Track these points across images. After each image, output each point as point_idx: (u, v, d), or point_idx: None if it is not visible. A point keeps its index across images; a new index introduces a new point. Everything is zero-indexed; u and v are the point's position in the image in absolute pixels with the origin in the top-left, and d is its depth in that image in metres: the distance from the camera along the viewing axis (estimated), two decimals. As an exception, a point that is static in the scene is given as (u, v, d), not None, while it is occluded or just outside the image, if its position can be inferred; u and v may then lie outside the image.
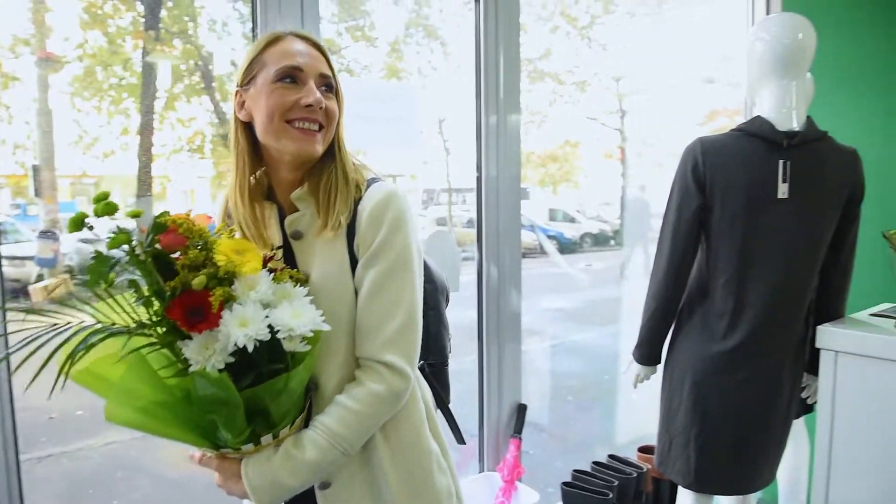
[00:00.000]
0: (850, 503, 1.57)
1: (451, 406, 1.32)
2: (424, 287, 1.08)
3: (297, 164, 1.07)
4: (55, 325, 0.83)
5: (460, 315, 2.43)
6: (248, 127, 1.07)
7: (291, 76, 1.02)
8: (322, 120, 1.03)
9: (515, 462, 2.21)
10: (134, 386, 0.85)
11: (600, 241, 5.29)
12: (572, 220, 5.43)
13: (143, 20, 2.01)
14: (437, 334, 1.28)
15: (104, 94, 1.95)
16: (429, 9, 3.10)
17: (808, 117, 1.66)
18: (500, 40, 2.12)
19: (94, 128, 1.90)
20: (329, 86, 1.06)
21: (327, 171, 1.07)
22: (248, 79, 1.05)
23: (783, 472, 2.24)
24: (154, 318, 0.86)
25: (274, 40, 1.05)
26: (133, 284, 0.85)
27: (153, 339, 0.86)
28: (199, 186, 2.27)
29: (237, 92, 1.07)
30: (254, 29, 1.68)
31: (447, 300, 1.38)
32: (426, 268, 1.14)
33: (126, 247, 0.84)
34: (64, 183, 1.96)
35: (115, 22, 1.98)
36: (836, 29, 2.54)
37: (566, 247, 5.23)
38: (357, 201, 1.05)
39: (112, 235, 0.83)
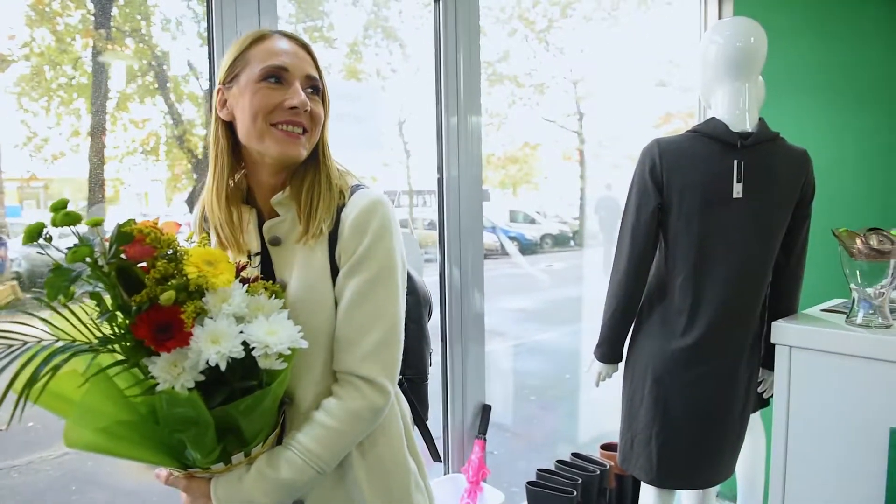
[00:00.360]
0: (806, 495, 1.61)
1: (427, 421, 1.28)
2: (406, 299, 1.05)
3: (279, 168, 1.03)
4: (11, 346, 0.77)
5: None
6: (228, 126, 1.03)
7: (276, 76, 0.98)
8: (307, 123, 1.00)
9: (480, 463, 2.21)
10: (96, 405, 0.81)
11: (560, 241, 5.35)
12: (532, 222, 5.48)
13: (93, 18, 1.95)
14: (417, 348, 1.24)
15: (53, 95, 1.89)
16: (388, 10, 3.09)
17: (761, 119, 1.71)
18: (460, 42, 2.13)
19: (42, 129, 1.84)
20: (315, 88, 1.03)
21: (310, 175, 1.03)
22: (230, 77, 1.01)
23: (741, 466, 2.29)
24: (119, 332, 0.81)
25: (259, 38, 1.01)
26: (96, 297, 0.80)
27: (119, 357, 0.81)
28: (153, 190, 2.21)
29: (219, 90, 1.03)
30: (209, 29, 1.65)
31: (430, 313, 1.35)
32: (409, 279, 1.11)
33: (88, 259, 0.78)
34: (11, 186, 1.89)
35: (63, 20, 1.92)
36: (787, 34, 2.62)
37: (527, 248, 5.27)
38: (340, 208, 1.02)
39: (73, 248, 0.78)
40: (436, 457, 1.26)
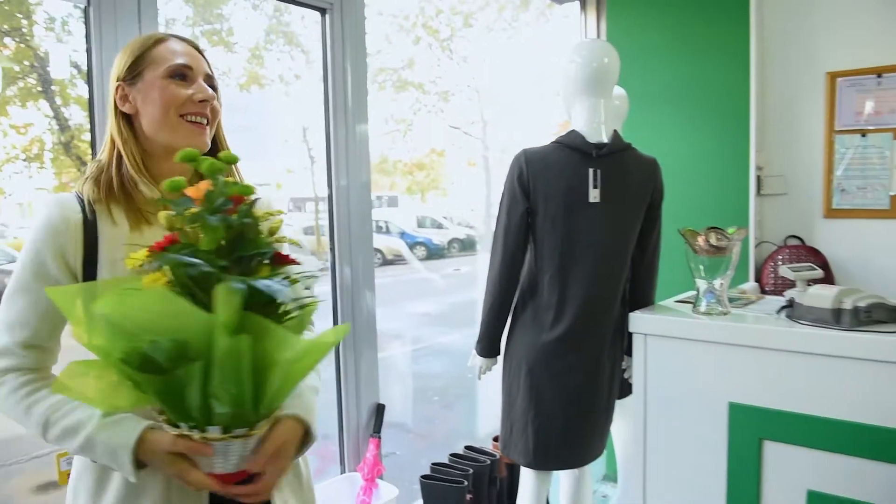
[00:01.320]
0: (663, 465, 1.77)
1: None
2: None
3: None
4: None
5: (321, 324, 2.44)
6: (127, 119, 1.11)
7: (182, 74, 1.09)
8: (210, 116, 1.11)
9: (375, 460, 2.28)
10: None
11: (467, 246, 5.49)
12: (440, 227, 5.60)
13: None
14: None
15: (-77, 99, 1.83)
16: (289, 16, 3.11)
17: (615, 131, 1.88)
18: (347, 51, 2.20)
19: None
20: (213, 86, 1.14)
21: None
22: (133, 74, 1.09)
23: (619, 448, 2.47)
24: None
25: (160, 40, 1.11)
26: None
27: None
28: (37, 199, 2.16)
29: (119, 86, 1.10)
30: (87, 30, 1.64)
31: None
32: None
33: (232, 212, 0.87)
34: None
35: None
36: (650, 54, 2.87)
37: (435, 252, 5.37)
38: None
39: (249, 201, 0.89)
40: None
